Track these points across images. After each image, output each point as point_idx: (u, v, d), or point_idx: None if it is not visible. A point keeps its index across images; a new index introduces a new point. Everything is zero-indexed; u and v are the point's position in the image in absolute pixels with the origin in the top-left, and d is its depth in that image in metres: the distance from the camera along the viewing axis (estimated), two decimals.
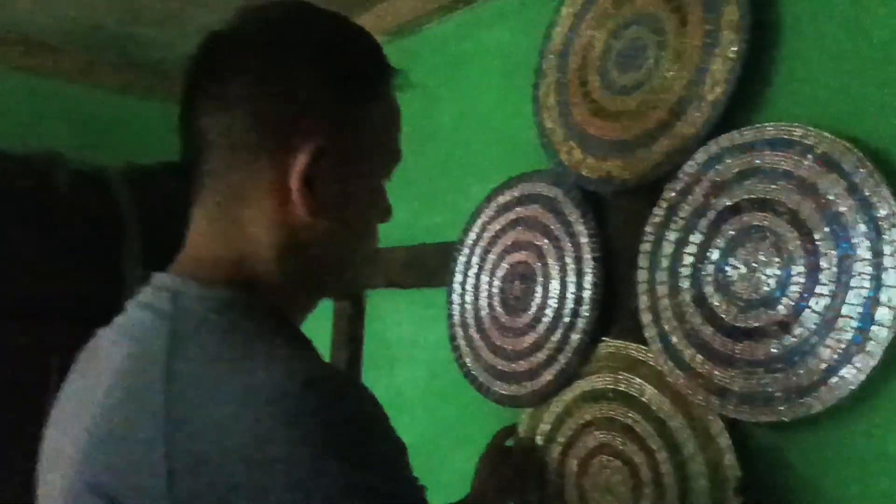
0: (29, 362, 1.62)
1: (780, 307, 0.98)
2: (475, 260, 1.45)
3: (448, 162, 1.65)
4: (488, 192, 1.47)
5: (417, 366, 1.68)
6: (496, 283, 1.40)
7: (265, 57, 0.70)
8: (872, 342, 0.89)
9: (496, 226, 1.42)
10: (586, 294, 1.24)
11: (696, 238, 1.09)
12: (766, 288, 1.00)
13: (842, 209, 0.94)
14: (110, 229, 1.77)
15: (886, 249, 0.89)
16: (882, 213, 0.90)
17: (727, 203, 1.06)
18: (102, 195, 1.80)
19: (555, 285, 1.29)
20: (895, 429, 0.90)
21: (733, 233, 1.05)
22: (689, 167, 1.11)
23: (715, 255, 1.07)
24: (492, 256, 1.42)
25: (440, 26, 1.71)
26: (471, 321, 1.44)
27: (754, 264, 1.02)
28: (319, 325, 1.91)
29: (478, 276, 1.44)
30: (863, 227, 0.92)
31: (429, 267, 1.62)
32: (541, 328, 1.31)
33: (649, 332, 1.13)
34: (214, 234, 0.73)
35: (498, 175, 1.48)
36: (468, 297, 1.45)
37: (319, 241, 0.73)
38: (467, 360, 1.44)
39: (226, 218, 0.72)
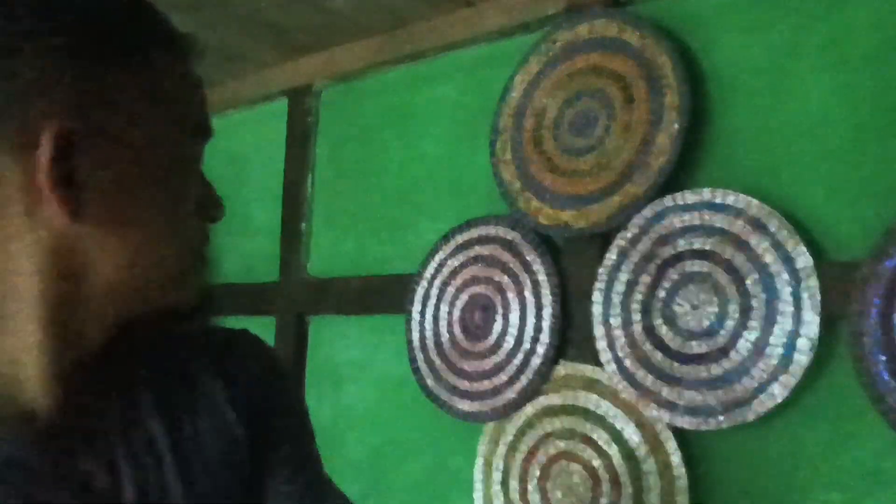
0: None
1: (719, 338, 1.24)
2: (434, 291, 1.63)
3: (397, 200, 1.81)
4: (439, 230, 1.65)
5: (367, 386, 1.83)
6: (456, 312, 1.59)
7: None
8: (794, 366, 1.16)
9: (454, 262, 1.61)
10: (545, 324, 1.45)
11: (645, 280, 1.33)
12: (707, 322, 1.26)
13: (768, 261, 1.20)
14: None
15: (804, 294, 1.16)
16: (800, 265, 1.17)
17: (672, 252, 1.31)
18: None
19: (514, 316, 1.50)
20: (810, 435, 1.17)
21: (677, 276, 1.30)
22: (638, 220, 1.35)
23: (662, 294, 1.31)
24: (451, 289, 1.61)
25: (385, 76, 1.87)
26: (431, 345, 1.62)
27: (696, 303, 1.27)
28: None
29: (437, 305, 1.62)
30: (785, 276, 1.19)
31: (379, 296, 1.78)
32: (502, 352, 1.51)
33: (605, 357, 1.36)
34: None
35: (447, 215, 1.67)
36: (427, 324, 1.63)
37: (105, 256, 0.57)
38: (428, 380, 1.62)
39: None
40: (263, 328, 2.02)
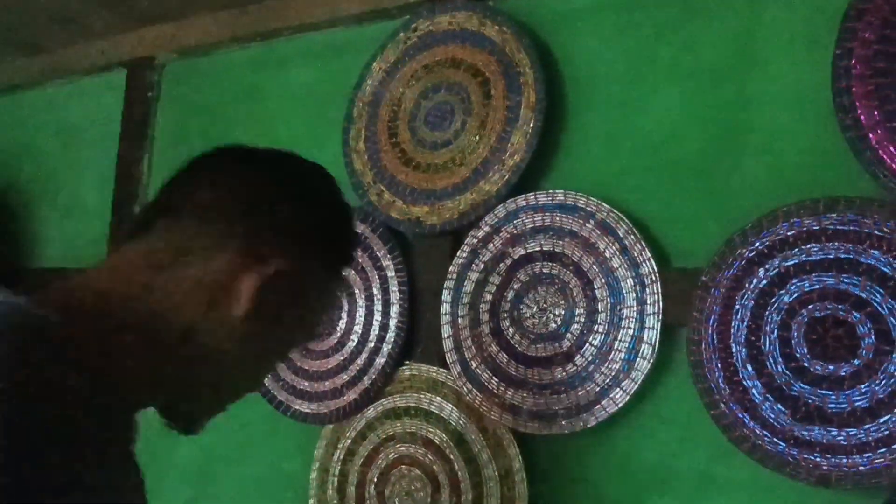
0: None
1: (565, 341, 1.22)
2: None
3: None
4: None
5: None
6: None
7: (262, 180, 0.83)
8: (636, 371, 1.16)
9: None
10: (392, 322, 1.39)
11: (495, 279, 1.30)
12: (553, 325, 1.24)
13: (615, 265, 1.20)
14: None
15: (648, 299, 1.16)
16: (645, 271, 1.17)
17: (522, 252, 1.28)
18: None
19: (361, 313, 1.43)
20: (648, 440, 1.18)
21: (527, 278, 1.27)
22: (490, 219, 1.31)
23: (511, 294, 1.28)
24: None
25: (234, 54, 1.76)
26: None
27: (544, 305, 1.25)
28: None
29: None
30: (631, 281, 1.18)
31: None
32: (346, 351, 1.44)
33: (451, 358, 1.32)
34: (123, 270, 0.72)
35: None
36: None
37: (224, 347, 0.73)
38: (265, 380, 1.52)
39: (152, 266, 0.72)
40: None
